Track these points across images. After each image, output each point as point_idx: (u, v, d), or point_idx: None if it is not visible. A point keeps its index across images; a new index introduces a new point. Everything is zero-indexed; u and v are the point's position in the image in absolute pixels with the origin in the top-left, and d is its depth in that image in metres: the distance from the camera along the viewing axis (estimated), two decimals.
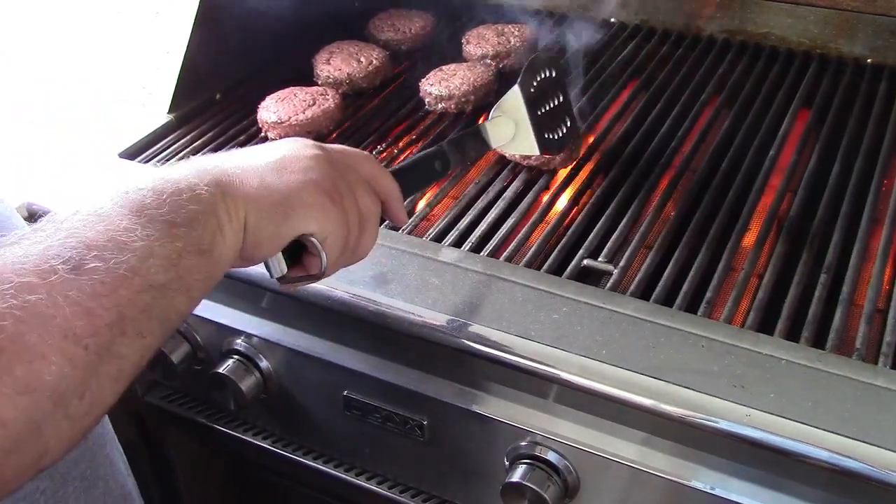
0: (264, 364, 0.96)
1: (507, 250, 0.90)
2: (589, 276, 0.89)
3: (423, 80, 1.17)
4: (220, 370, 0.95)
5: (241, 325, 0.95)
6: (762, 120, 1.13)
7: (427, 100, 1.16)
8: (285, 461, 0.99)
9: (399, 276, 0.86)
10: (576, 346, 0.77)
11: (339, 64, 1.19)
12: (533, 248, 0.90)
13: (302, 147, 0.68)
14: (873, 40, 1.23)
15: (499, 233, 0.93)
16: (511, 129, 0.89)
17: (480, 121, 1.04)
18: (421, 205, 0.98)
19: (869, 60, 1.24)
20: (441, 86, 1.14)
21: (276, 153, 0.66)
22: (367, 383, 0.89)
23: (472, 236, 0.92)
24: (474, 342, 0.79)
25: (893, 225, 0.93)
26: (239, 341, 0.96)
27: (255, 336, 0.94)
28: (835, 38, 1.25)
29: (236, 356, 0.96)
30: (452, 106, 1.14)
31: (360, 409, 0.90)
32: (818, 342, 0.78)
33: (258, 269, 0.87)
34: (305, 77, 1.23)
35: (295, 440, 1.00)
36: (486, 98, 1.16)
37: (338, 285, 0.85)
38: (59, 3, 1.39)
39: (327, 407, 0.94)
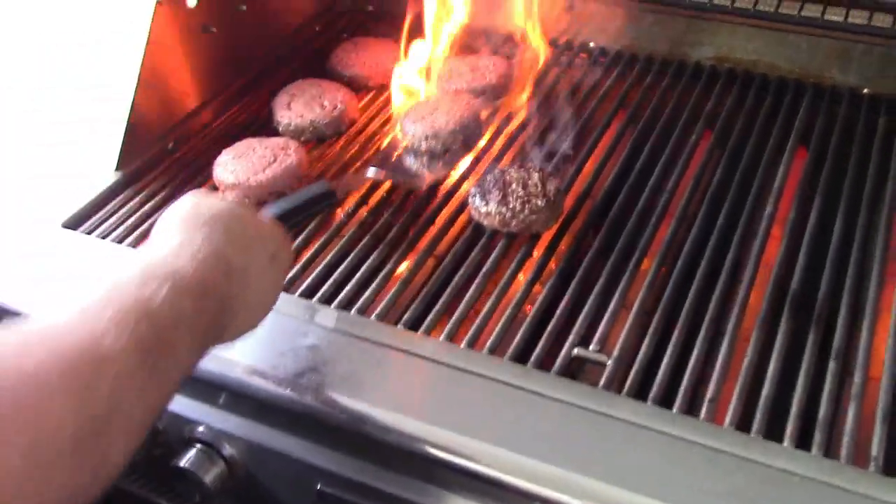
0: (228, 451, 0.89)
1: (490, 339, 0.83)
2: (581, 366, 0.82)
3: (403, 117, 1.09)
4: (181, 463, 0.87)
5: (201, 416, 0.87)
6: (758, 163, 1.06)
7: (409, 140, 1.07)
8: None
9: (372, 375, 0.79)
10: (571, 462, 0.70)
11: (301, 109, 1.10)
12: (518, 337, 0.83)
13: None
14: (868, 69, 1.16)
15: (480, 315, 0.85)
16: None
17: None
18: (396, 285, 0.90)
19: (865, 90, 1.17)
20: (425, 123, 1.05)
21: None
22: (342, 481, 0.82)
23: (451, 322, 0.85)
24: (463, 458, 0.72)
25: None
26: (200, 429, 0.88)
27: (217, 428, 0.87)
28: (828, 66, 1.18)
29: (198, 444, 0.88)
30: (440, 145, 1.04)
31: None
32: (830, 447, 0.72)
33: (215, 367, 0.82)
34: (264, 121, 1.14)
35: None
36: (475, 130, 1.08)
37: (305, 388, 0.78)
38: None
39: (300, 499, 0.87)
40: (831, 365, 0.79)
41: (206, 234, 0.67)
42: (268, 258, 0.72)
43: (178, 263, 0.62)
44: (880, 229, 0.95)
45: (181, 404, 0.88)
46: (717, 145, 1.10)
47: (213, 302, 0.64)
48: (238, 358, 0.82)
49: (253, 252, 0.70)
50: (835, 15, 0.95)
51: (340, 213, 1.00)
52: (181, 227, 0.68)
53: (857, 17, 0.94)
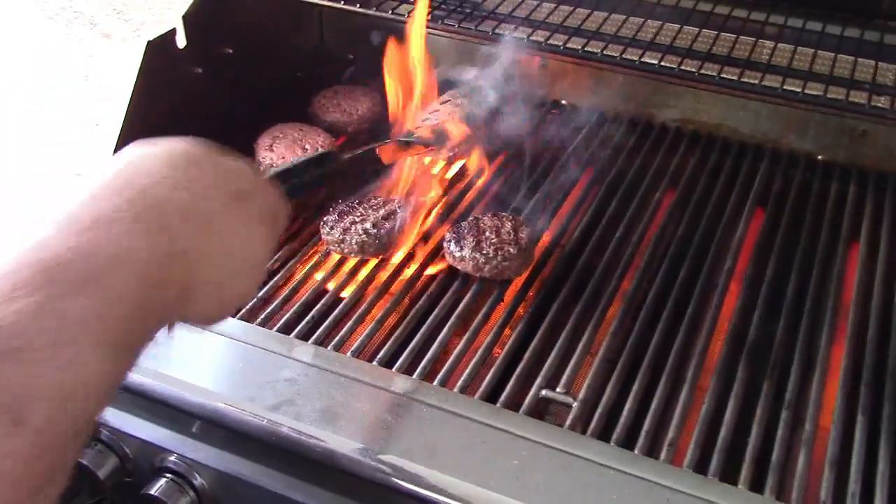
0: (199, 481, 0.90)
1: (462, 379, 0.86)
2: (548, 407, 0.85)
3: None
4: (151, 492, 0.88)
5: (173, 445, 0.89)
6: (718, 221, 1.12)
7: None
8: None
9: (348, 409, 0.81)
10: (536, 498, 0.73)
11: (283, 151, 1.14)
12: (488, 378, 0.86)
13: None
14: (823, 138, 1.23)
15: (452, 356, 0.89)
16: None
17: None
18: (372, 324, 0.93)
19: (820, 157, 1.24)
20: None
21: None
22: None
23: (424, 360, 0.88)
24: (434, 492, 0.75)
25: (852, 351, 0.91)
26: (171, 458, 0.89)
27: (189, 458, 0.88)
28: (786, 133, 1.25)
29: (169, 474, 0.89)
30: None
31: None
32: (783, 490, 0.76)
33: (191, 396, 0.84)
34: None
35: None
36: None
37: (282, 420, 0.80)
38: None
39: None
40: (784, 413, 0.83)
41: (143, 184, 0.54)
42: (229, 197, 0.58)
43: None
44: (832, 286, 1.01)
45: (153, 432, 0.89)
46: (680, 203, 1.15)
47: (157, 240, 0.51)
48: (215, 388, 0.84)
49: (206, 192, 0.57)
50: (793, 86, 1.01)
51: (318, 255, 1.03)
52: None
53: (814, 89, 1.01)
